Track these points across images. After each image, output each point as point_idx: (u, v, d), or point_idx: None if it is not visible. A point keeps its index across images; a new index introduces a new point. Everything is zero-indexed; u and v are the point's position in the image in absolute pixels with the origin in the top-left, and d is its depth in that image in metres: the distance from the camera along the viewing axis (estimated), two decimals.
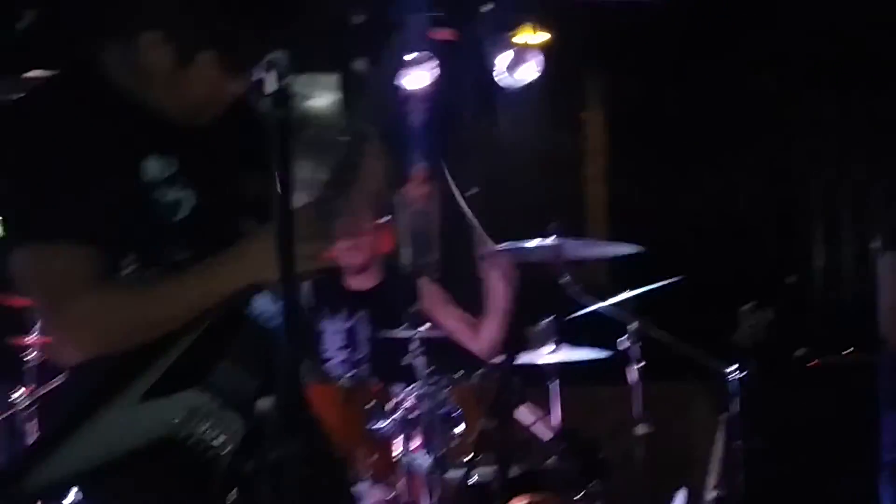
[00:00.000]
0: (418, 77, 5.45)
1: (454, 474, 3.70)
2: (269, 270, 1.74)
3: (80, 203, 1.82)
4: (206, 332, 1.87)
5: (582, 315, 4.41)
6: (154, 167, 1.91)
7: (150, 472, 1.81)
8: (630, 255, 4.40)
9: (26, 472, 1.77)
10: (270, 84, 1.70)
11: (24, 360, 4.07)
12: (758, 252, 5.98)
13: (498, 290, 4.27)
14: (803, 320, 5.89)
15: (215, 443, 1.84)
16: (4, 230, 1.86)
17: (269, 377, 1.84)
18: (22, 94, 1.92)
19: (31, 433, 3.91)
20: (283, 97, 1.68)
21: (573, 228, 4.93)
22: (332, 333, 4.22)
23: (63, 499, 1.81)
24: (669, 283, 4.37)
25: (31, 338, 4.07)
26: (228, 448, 1.85)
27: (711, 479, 4.47)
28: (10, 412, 4.01)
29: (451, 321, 4.36)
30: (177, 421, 1.82)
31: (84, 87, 1.93)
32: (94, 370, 1.85)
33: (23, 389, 4.01)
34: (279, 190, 1.66)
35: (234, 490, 1.83)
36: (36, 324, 4.02)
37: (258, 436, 1.72)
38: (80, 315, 1.81)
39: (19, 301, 3.98)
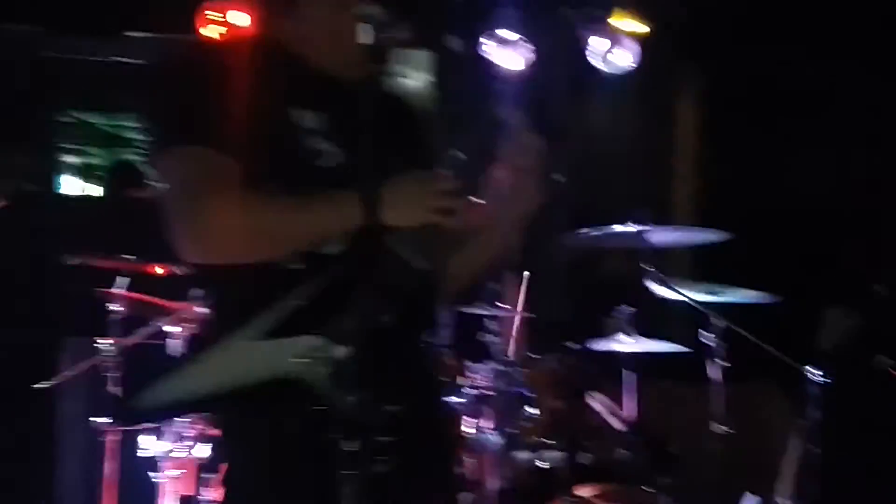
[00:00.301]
0: (513, 57, 5.42)
1: (523, 455, 3.70)
2: (402, 215, 1.84)
3: (235, 124, 1.88)
4: (336, 282, 1.87)
5: (664, 307, 4.37)
6: (307, 117, 1.96)
7: (266, 408, 1.86)
8: (720, 252, 4.34)
9: (148, 392, 1.82)
10: (366, 37, 1.73)
11: (109, 311, 4.14)
12: (848, 255, 5.85)
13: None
14: (891, 328, 5.75)
15: (332, 390, 1.84)
16: (159, 134, 1.94)
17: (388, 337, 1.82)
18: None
19: (115, 383, 3.97)
20: (379, 51, 1.70)
21: (661, 220, 4.90)
22: None
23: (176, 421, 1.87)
24: (763, 304, 4.28)
25: (116, 290, 4.14)
26: (345, 398, 1.80)
27: (785, 486, 4.39)
28: (95, 361, 4.07)
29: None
30: (297, 362, 1.83)
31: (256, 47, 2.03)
32: (224, 303, 1.94)
33: (109, 340, 4.07)
34: (364, 147, 1.70)
35: (348, 440, 1.75)
36: (123, 276, 4.10)
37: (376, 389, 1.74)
38: (214, 213, 1.86)
39: (104, 258, 4.12)
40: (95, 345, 4.06)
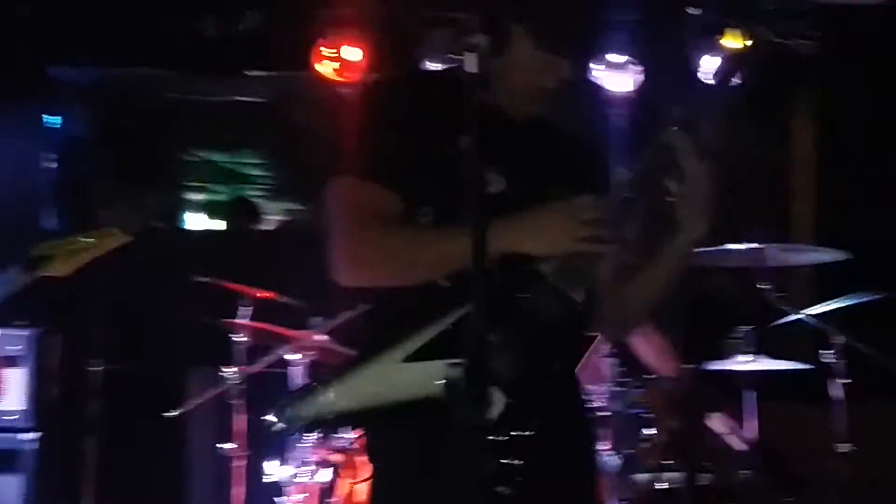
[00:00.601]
0: (622, 80, 5.43)
1: (642, 477, 3.68)
2: (552, 243, 1.91)
3: (397, 156, 2.00)
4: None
5: (784, 325, 4.30)
6: (469, 146, 1.97)
7: (409, 427, 1.94)
8: (839, 267, 4.26)
9: (303, 402, 1.93)
10: (470, 66, 1.76)
11: (234, 340, 4.26)
12: None
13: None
14: None
15: (473, 412, 1.83)
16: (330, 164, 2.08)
17: (532, 364, 1.90)
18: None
19: (240, 411, 4.08)
20: (482, 81, 1.74)
21: (778, 238, 4.82)
22: None
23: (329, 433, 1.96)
24: (876, 298, 4.19)
25: (241, 319, 4.26)
26: (485, 420, 1.84)
27: None
28: (221, 389, 4.19)
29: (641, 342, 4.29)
30: (440, 383, 1.85)
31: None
32: (376, 323, 2.07)
33: (233, 368, 4.19)
34: (471, 172, 1.72)
35: (486, 462, 1.80)
36: (246, 306, 4.22)
37: (513, 416, 1.83)
38: (368, 241, 2.00)
39: (230, 285, 4.24)
40: (221, 373, 4.19)
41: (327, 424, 2.07)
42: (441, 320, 1.92)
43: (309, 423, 2.00)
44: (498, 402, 1.87)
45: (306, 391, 1.97)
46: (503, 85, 2.05)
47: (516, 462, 1.84)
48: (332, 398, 1.92)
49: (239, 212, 6.48)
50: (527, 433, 1.86)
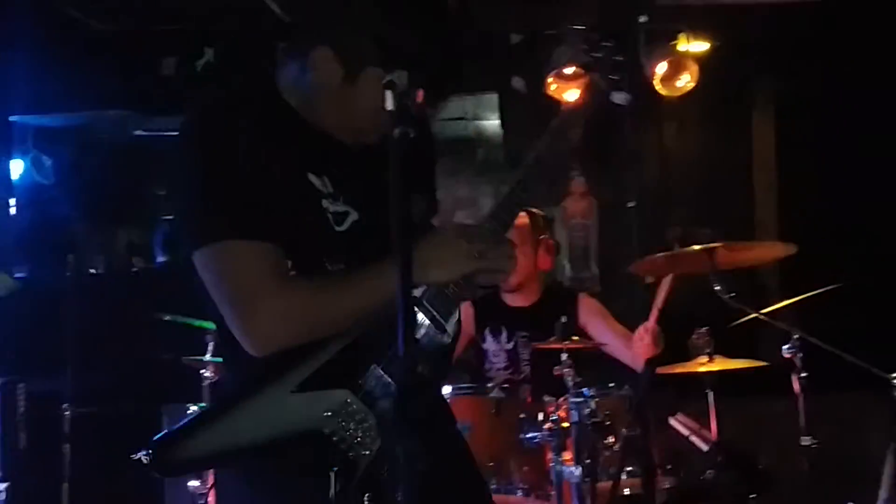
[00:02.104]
0: (575, 91, 5.49)
1: (605, 485, 3.71)
2: (438, 272, 1.94)
3: (260, 205, 1.90)
4: (363, 336, 1.93)
5: (741, 325, 4.34)
6: (316, 182, 2.01)
7: (292, 461, 1.87)
8: (802, 264, 4.29)
9: (177, 444, 1.86)
10: (388, 103, 1.79)
11: (201, 377, 4.31)
12: None
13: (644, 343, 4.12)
14: None
15: (357, 444, 1.89)
16: (186, 236, 1.94)
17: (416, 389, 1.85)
18: (201, 109, 2.04)
19: None
20: (402, 117, 1.77)
21: (740, 238, 4.85)
22: (494, 354, 4.32)
23: (205, 473, 1.92)
24: (830, 290, 4.24)
25: (206, 357, 4.31)
26: (368, 452, 1.90)
27: (882, 497, 4.30)
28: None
29: (609, 335, 4.35)
30: (324, 415, 1.87)
31: (256, 104, 2.04)
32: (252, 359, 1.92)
33: (202, 404, 4.23)
34: (399, 206, 1.71)
35: (367, 494, 1.87)
36: (210, 343, 4.25)
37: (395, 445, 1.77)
38: (271, 309, 1.86)
39: (194, 321, 4.28)
40: (189, 411, 4.21)
41: (220, 463, 1.99)
42: (326, 349, 1.90)
43: (201, 462, 1.99)
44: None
45: (185, 431, 1.89)
46: (347, 112, 2.03)
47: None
48: (214, 436, 1.86)
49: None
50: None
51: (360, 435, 1.89)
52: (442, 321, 2.00)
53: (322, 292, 1.91)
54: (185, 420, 1.90)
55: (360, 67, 1.98)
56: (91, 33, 5.67)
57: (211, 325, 4.18)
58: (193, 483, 4.11)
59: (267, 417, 1.86)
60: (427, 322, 1.98)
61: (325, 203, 1.99)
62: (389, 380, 1.92)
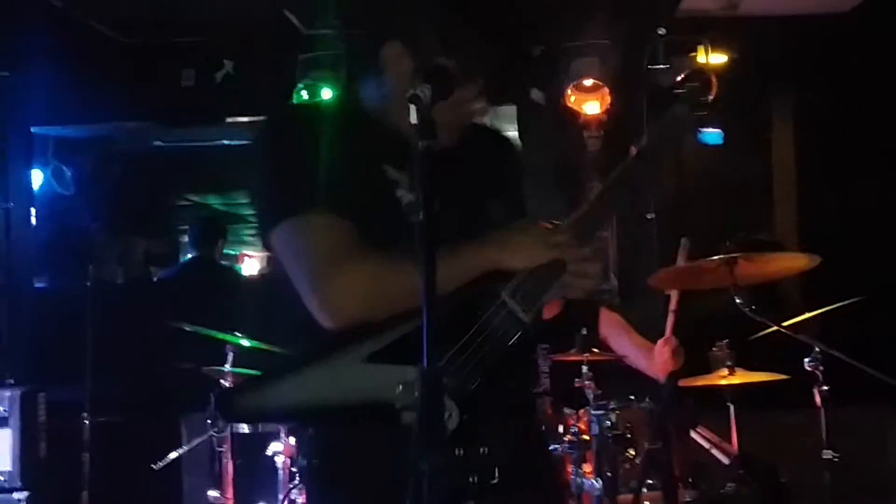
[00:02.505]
0: (594, 103, 5.50)
1: (625, 497, 3.70)
2: (513, 256, 1.92)
3: (337, 187, 1.94)
4: (446, 318, 1.85)
5: (762, 337, 4.32)
6: (393, 174, 2.02)
7: (360, 428, 1.90)
8: (823, 276, 4.27)
9: (246, 392, 1.94)
10: (413, 117, 1.76)
11: (221, 387, 4.30)
12: None
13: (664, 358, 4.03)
14: None
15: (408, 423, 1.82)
16: (264, 217, 2.00)
17: (491, 380, 1.90)
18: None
19: (226, 457, 4.13)
20: (426, 130, 1.74)
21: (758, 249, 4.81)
22: None
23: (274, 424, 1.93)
24: (851, 303, 4.21)
25: (226, 367, 4.30)
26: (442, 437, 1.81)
27: None
28: (207, 436, 4.23)
29: (630, 348, 4.32)
30: (396, 389, 1.84)
31: (331, 111, 2.15)
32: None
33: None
34: (423, 215, 1.70)
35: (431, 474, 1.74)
36: (229, 354, 4.25)
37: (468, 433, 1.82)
38: (346, 278, 1.91)
39: (214, 332, 4.28)
40: (209, 420, 4.20)
41: (284, 419, 2.04)
42: (405, 324, 1.87)
43: (267, 414, 1.99)
44: (453, 418, 1.86)
45: (254, 382, 1.94)
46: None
47: (472, 478, 1.83)
48: (284, 391, 1.88)
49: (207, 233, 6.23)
50: (481, 450, 1.85)
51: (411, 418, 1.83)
52: (520, 312, 1.94)
53: (395, 267, 1.91)
54: (256, 373, 1.93)
55: (430, 60, 1.92)
56: (111, 45, 5.69)
57: (231, 337, 4.27)
58: (213, 493, 4.11)
59: (338, 382, 1.87)
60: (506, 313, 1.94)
61: (399, 192, 2.00)
62: (463, 365, 1.90)
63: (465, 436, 1.85)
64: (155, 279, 6.77)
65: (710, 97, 2.10)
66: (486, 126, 2.24)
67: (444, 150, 1.99)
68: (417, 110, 1.77)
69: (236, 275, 7.46)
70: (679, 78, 2.17)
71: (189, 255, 5.81)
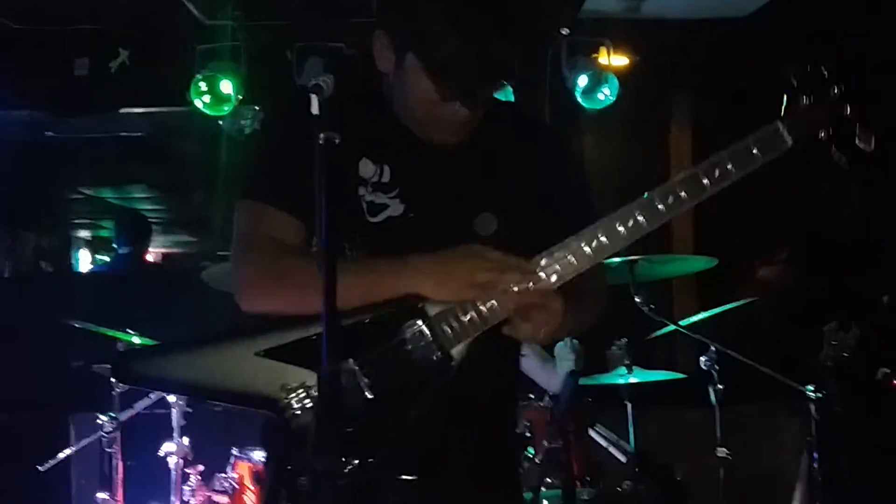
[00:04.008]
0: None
1: (524, 498, 3.69)
2: (446, 291, 1.85)
3: (295, 181, 1.91)
4: (347, 329, 1.86)
5: (659, 337, 4.37)
6: (367, 168, 1.99)
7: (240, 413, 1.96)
8: (717, 277, 4.33)
9: (144, 359, 2.01)
10: (314, 107, 1.74)
11: (112, 386, 4.18)
12: (847, 272, 5.82)
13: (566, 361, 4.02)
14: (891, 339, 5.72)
15: (301, 425, 1.85)
16: (240, 185, 2.07)
17: (382, 397, 1.86)
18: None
19: (116, 457, 4.02)
20: (327, 120, 1.72)
21: (657, 250, 4.86)
22: None
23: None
24: (744, 304, 4.29)
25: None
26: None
27: (796, 503, 4.36)
28: (97, 436, 4.11)
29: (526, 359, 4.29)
30: (279, 387, 1.86)
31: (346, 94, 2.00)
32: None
33: (111, 414, 4.09)
34: (322, 211, 1.68)
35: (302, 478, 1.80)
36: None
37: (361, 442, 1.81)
38: (254, 263, 1.98)
39: (106, 329, 4.16)
40: (98, 420, 4.08)
41: (171, 390, 2.10)
42: (305, 328, 1.87)
43: (156, 381, 2.02)
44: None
45: (153, 350, 2.08)
46: (405, 103, 1.99)
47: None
48: (178, 364, 1.93)
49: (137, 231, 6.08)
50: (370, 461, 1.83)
51: (308, 418, 1.85)
52: (441, 343, 1.87)
53: (306, 268, 1.88)
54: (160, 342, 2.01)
55: (403, 53, 1.91)
56: (1, 31, 5.49)
57: (122, 335, 4.15)
58: (102, 495, 3.99)
59: (228, 367, 1.89)
60: (429, 337, 1.87)
61: (361, 191, 1.99)
62: (365, 379, 1.87)
63: (356, 445, 1.81)
64: (48, 272, 6.59)
65: None
66: (514, 114, 2.16)
67: (442, 152, 1.99)
68: (319, 102, 1.74)
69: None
70: None
71: (121, 251, 5.65)
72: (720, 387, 4.09)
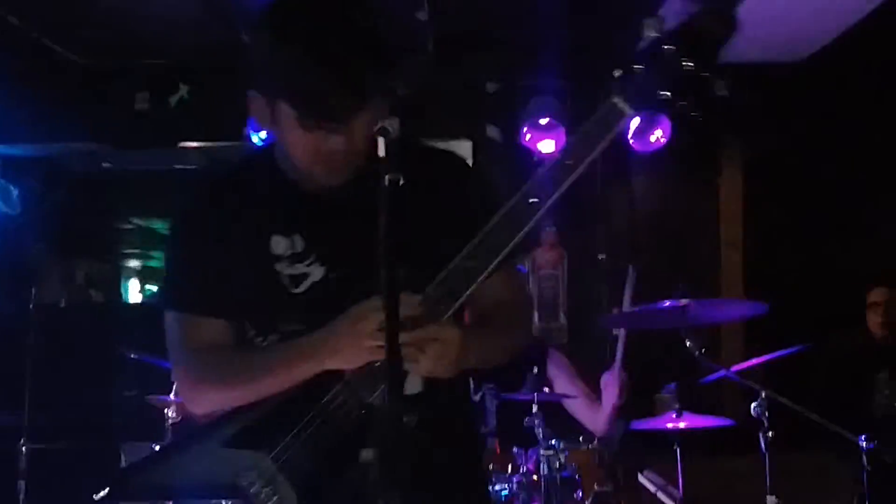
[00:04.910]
0: (550, 142, 5.53)
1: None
2: (347, 360, 1.87)
3: (210, 281, 2.00)
4: (282, 406, 1.94)
5: (710, 382, 4.35)
6: (280, 244, 2.00)
7: None
8: (766, 321, 4.31)
9: (134, 474, 2.06)
10: (381, 150, 1.73)
11: (164, 416, 4.23)
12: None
13: (612, 390, 4.08)
14: None
15: (264, 499, 1.94)
16: (162, 296, 2.14)
17: (332, 466, 1.91)
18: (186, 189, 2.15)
19: None
20: (394, 163, 1.70)
21: (707, 293, 4.85)
22: None
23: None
24: (798, 350, 4.26)
25: (171, 397, 4.23)
26: None
27: None
28: None
29: (571, 391, 4.30)
30: (243, 470, 1.93)
31: (244, 175, 2.09)
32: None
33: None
34: (387, 259, 1.67)
35: None
36: (175, 383, 4.17)
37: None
38: (193, 378, 2.04)
39: (159, 360, 4.20)
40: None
41: (164, 496, 2.11)
42: (249, 413, 1.96)
43: (143, 493, 2.04)
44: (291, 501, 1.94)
45: (145, 462, 2.10)
46: (290, 154, 1.95)
47: None
48: (161, 472, 2.00)
49: None
50: None
51: (267, 492, 1.94)
52: (361, 397, 1.91)
53: (238, 365, 1.99)
54: (146, 455, 2.12)
55: (275, 105, 1.87)
56: (65, 65, 5.61)
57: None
58: None
59: (202, 465, 1.96)
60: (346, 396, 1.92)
61: (279, 267, 1.99)
62: (300, 452, 1.94)
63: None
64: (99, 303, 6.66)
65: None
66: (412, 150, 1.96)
67: (332, 198, 1.97)
68: (385, 143, 1.71)
69: None
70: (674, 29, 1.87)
71: None
72: (770, 434, 4.07)
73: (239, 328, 2.03)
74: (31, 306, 4.89)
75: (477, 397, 4.22)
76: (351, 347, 1.86)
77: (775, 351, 4.36)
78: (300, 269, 2.00)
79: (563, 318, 5.88)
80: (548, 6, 5.15)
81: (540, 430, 3.81)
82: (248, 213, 2.01)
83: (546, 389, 3.99)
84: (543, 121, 5.54)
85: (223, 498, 1.97)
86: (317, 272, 1.99)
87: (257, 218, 2.00)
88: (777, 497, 4.03)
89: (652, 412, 4.24)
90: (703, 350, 4.13)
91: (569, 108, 5.62)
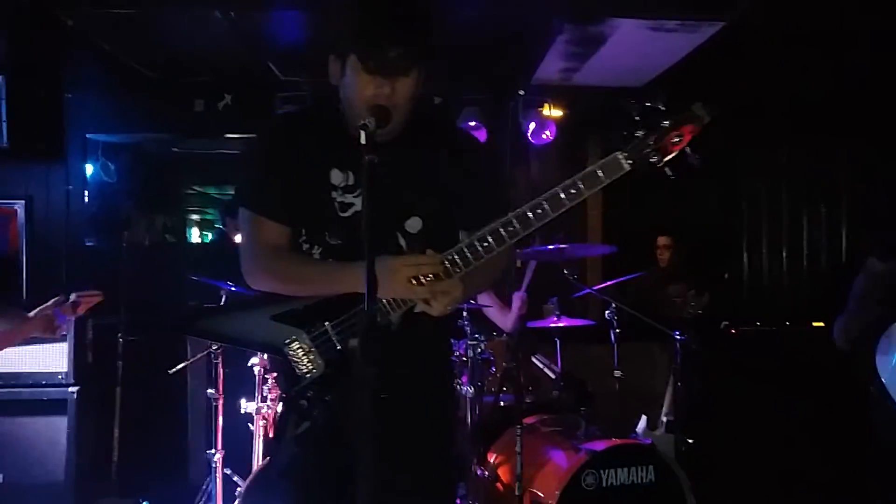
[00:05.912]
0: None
1: (488, 399, 3.70)
2: (385, 290, 1.74)
3: (280, 194, 1.88)
4: (324, 302, 1.85)
5: (579, 296, 4.37)
6: (337, 176, 1.88)
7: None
8: (615, 257, 4.34)
9: (196, 319, 1.97)
10: (362, 138, 1.67)
11: None
12: (703, 256, 5.85)
13: (518, 303, 4.03)
14: (730, 302, 5.78)
15: (301, 367, 1.86)
16: (236, 195, 1.97)
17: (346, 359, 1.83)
18: (269, 123, 2.03)
19: (219, 366, 3.97)
20: (369, 147, 1.64)
21: (578, 239, 4.83)
22: None
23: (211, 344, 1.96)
24: (635, 276, 4.31)
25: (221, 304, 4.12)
26: (307, 376, 1.86)
27: (664, 409, 4.39)
28: (206, 352, 4.08)
29: (491, 301, 4.29)
30: (285, 340, 1.85)
31: (313, 118, 1.95)
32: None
33: None
34: (367, 223, 1.59)
35: (302, 401, 1.86)
36: (223, 296, 4.07)
37: (330, 381, 1.81)
38: (258, 267, 1.89)
39: (213, 280, 4.09)
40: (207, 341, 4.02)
41: (212, 339, 2.10)
42: (298, 301, 1.86)
43: (206, 335, 2.01)
44: (319, 369, 1.85)
45: (206, 311, 2.11)
46: (350, 108, 1.81)
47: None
48: (222, 323, 1.92)
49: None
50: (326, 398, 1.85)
51: (303, 361, 1.85)
52: (385, 311, 1.81)
53: (295, 270, 1.88)
54: (207, 306, 1.93)
55: (346, 56, 1.76)
56: (143, 78, 5.43)
57: (224, 284, 4.11)
58: (210, 391, 3.96)
59: (254, 326, 1.88)
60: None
61: (334, 194, 1.88)
62: (332, 338, 1.84)
63: (327, 384, 1.84)
64: (195, 243, 6.43)
65: None
66: (440, 120, 1.96)
67: (387, 144, 1.79)
68: (365, 134, 1.67)
69: None
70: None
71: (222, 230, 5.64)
72: (618, 330, 4.12)
73: (294, 235, 1.91)
74: (123, 244, 4.80)
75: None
76: (392, 283, 1.74)
77: (621, 276, 4.41)
78: (349, 199, 1.88)
79: None
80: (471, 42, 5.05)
81: (468, 327, 3.80)
82: (315, 147, 1.88)
83: (472, 301, 3.97)
84: (472, 123, 5.47)
85: (268, 352, 1.89)
86: (359, 203, 1.88)
87: (322, 152, 1.88)
88: (621, 371, 4.10)
89: (541, 316, 4.25)
90: (575, 276, 4.15)
91: (487, 114, 5.57)
